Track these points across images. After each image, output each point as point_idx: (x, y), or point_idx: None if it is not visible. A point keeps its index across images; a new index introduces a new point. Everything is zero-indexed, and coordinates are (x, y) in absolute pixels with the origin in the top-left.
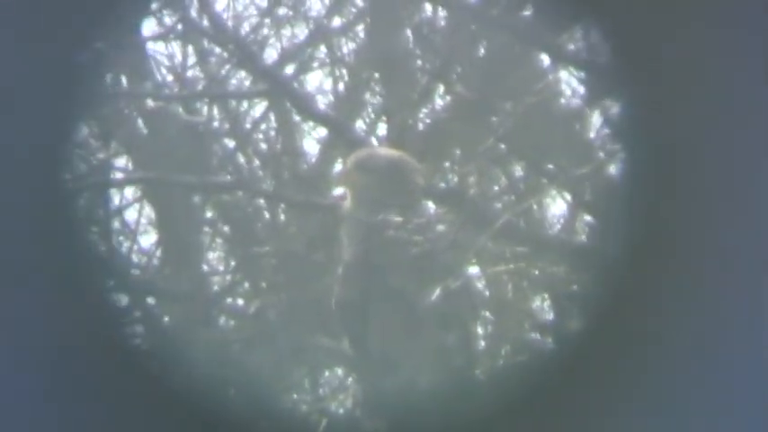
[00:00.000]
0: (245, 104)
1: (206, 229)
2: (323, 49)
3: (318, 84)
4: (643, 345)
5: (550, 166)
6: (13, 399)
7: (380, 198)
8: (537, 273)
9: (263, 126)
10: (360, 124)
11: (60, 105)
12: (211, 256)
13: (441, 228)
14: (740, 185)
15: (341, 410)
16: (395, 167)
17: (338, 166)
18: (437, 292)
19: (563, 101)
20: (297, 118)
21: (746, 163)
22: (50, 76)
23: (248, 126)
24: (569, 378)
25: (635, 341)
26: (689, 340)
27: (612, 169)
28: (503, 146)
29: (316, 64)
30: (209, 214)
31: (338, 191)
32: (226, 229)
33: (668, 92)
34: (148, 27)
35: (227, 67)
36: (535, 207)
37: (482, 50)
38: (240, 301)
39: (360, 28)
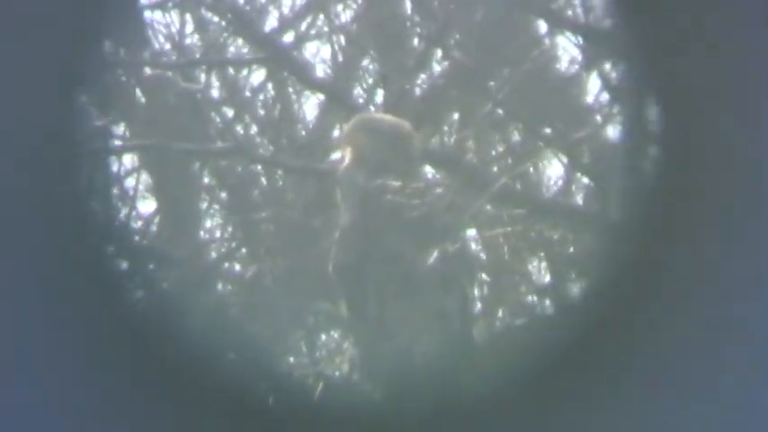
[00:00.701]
0: (243, 72)
1: (204, 195)
2: (321, 16)
3: (316, 51)
4: (640, 306)
5: (547, 130)
6: (12, 367)
7: (383, 161)
8: (534, 235)
9: (261, 93)
10: (357, 91)
11: (58, 74)
12: (209, 222)
13: (438, 191)
14: (741, 149)
15: (338, 374)
16: (398, 132)
17: (336, 133)
18: (434, 255)
19: (560, 65)
20: (295, 85)
21: (748, 127)
22: (47, 44)
23: (246, 93)
24: (567, 341)
25: (633, 303)
26: (687, 299)
27: (609, 132)
28: (500, 111)
29: (313, 31)
30: (206, 181)
31: (337, 154)
32: (223, 195)
33: (666, 55)
34: None
35: (225, 35)
36: (532, 170)
37: (479, 16)
38: (238, 267)
39: None
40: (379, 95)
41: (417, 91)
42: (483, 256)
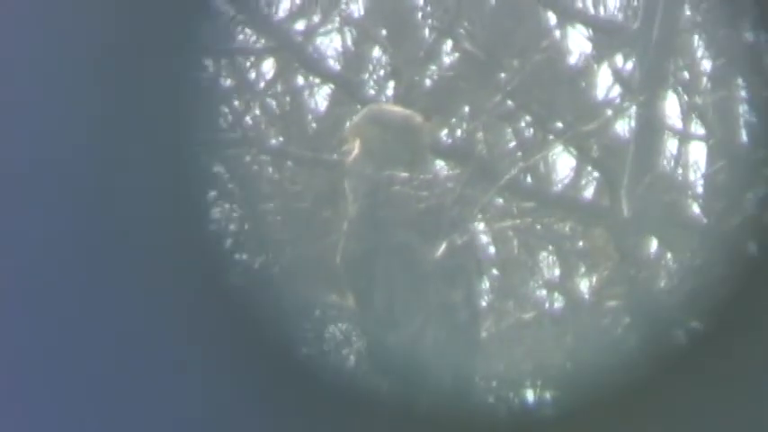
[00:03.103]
0: (252, 62)
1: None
2: (331, 6)
3: (327, 41)
4: (648, 299)
5: (558, 124)
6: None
7: (391, 153)
8: (542, 229)
9: (271, 83)
10: (368, 81)
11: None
12: (217, 212)
13: (447, 183)
14: None
15: (345, 366)
16: (406, 123)
17: (346, 124)
18: (443, 247)
19: (570, 57)
20: (305, 75)
21: None
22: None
23: (256, 83)
24: (574, 334)
25: (639, 296)
26: (693, 291)
27: (619, 126)
28: (510, 102)
29: (318, 18)
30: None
31: (346, 145)
32: (231, 186)
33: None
34: None
35: (235, 24)
36: (541, 163)
37: (490, 6)
38: (246, 258)
39: None
40: (390, 87)
41: (428, 82)
42: (492, 248)
